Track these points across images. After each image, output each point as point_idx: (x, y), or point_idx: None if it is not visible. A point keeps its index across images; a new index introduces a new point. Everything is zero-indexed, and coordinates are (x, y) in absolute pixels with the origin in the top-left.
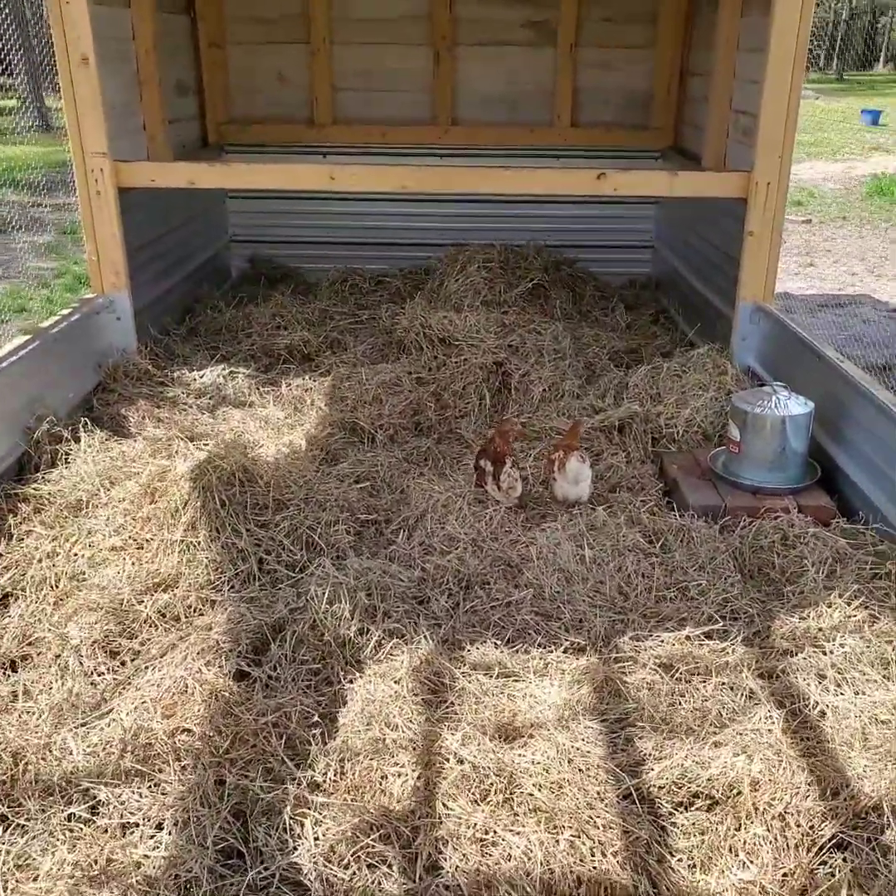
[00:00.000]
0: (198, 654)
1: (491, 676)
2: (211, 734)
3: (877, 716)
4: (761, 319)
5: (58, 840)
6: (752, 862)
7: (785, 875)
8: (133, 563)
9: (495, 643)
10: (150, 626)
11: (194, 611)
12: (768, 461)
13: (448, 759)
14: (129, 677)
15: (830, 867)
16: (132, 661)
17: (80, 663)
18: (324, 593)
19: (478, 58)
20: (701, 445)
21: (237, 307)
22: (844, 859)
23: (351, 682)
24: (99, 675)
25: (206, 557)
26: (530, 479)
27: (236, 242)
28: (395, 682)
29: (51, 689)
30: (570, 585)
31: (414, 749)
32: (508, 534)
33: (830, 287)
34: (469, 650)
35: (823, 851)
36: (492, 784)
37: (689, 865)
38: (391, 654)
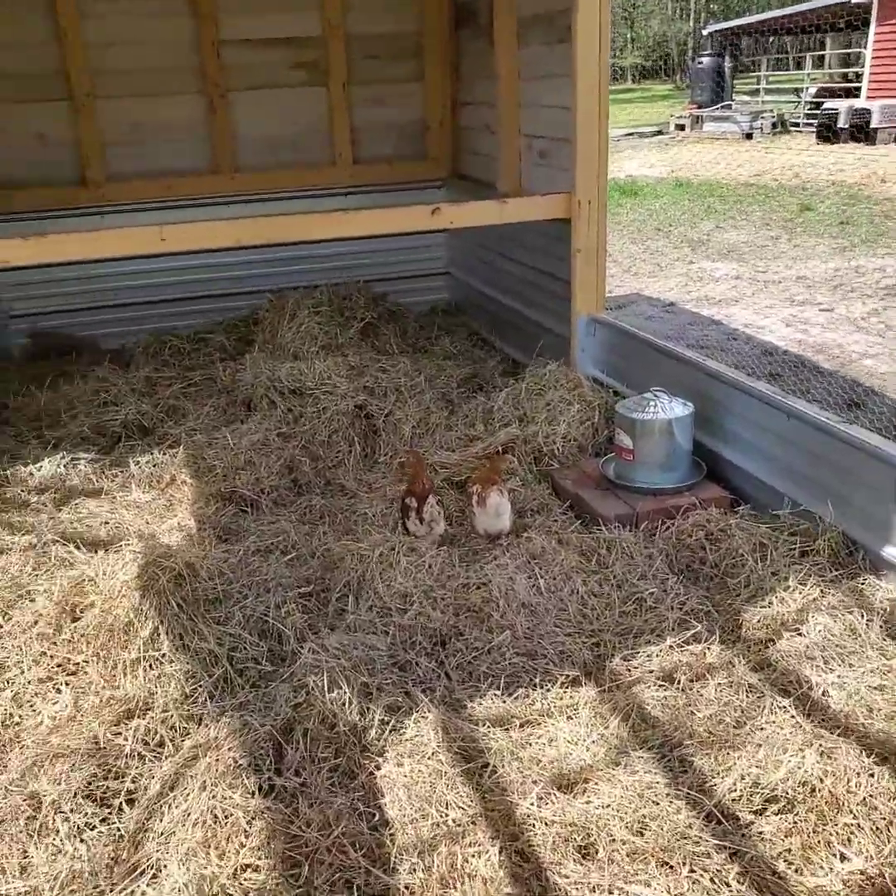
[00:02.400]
0: (217, 777)
1: (510, 729)
2: (281, 863)
3: (871, 684)
4: (597, 330)
5: None
6: (851, 852)
7: (887, 856)
8: (83, 693)
9: (495, 694)
10: (138, 760)
11: (179, 732)
12: (661, 463)
13: (534, 824)
14: (141, 824)
15: None
16: (129, 805)
17: (68, 821)
18: (324, 682)
19: (252, 102)
20: (579, 458)
21: (50, 388)
22: None
23: (377, 768)
24: (92, 830)
25: (175, 669)
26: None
27: (14, 318)
28: (429, 758)
29: (46, 862)
30: (538, 618)
31: (485, 823)
32: (455, 578)
33: None
34: (473, 707)
35: None
36: (586, 839)
37: (794, 869)
38: (404, 732)
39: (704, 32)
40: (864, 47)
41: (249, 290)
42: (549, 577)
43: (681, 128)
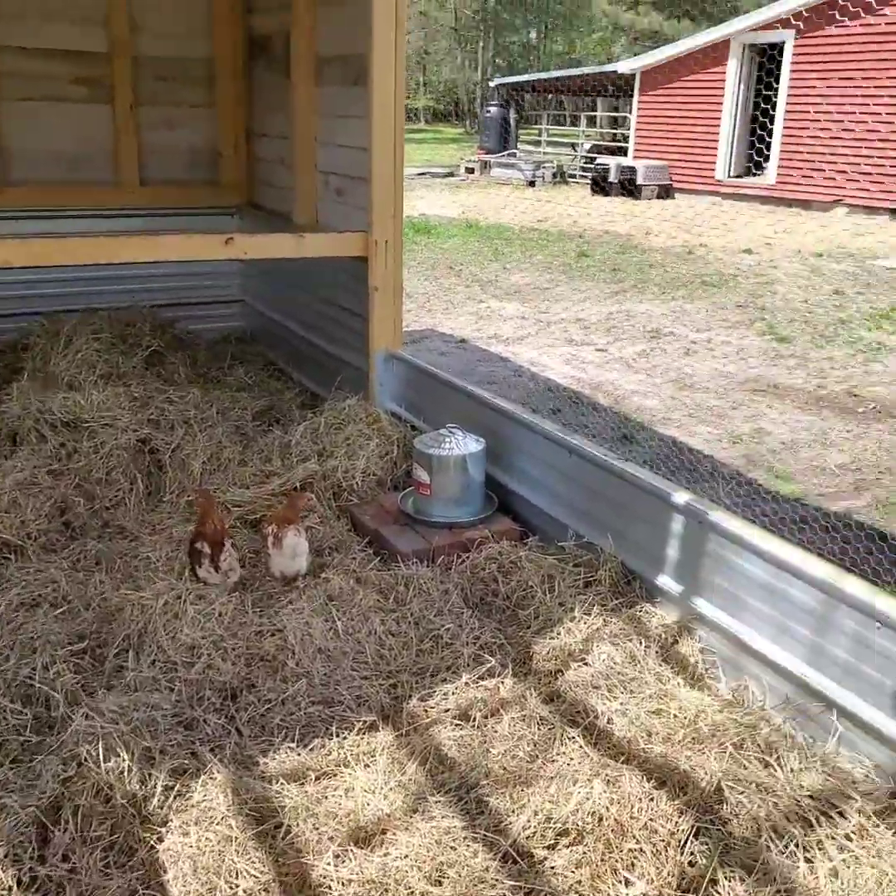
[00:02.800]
0: None
1: (305, 783)
2: None
3: (650, 709)
4: (395, 365)
5: None
6: (635, 876)
7: (666, 877)
8: None
9: (289, 747)
10: None
11: None
12: (456, 497)
13: (331, 885)
14: None
15: (696, 856)
16: None
17: None
18: (99, 751)
19: (27, 114)
20: (378, 492)
21: None
22: (704, 843)
23: (160, 840)
24: None
25: None
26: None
27: None
28: (217, 823)
29: None
30: (335, 663)
31: (279, 890)
32: (248, 625)
33: None
34: (266, 763)
35: (687, 845)
36: (386, 894)
37: None
38: (191, 797)
39: (492, 84)
40: (630, 112)
41: (18, 312)
42: (347, 618)
43: (470, 171)
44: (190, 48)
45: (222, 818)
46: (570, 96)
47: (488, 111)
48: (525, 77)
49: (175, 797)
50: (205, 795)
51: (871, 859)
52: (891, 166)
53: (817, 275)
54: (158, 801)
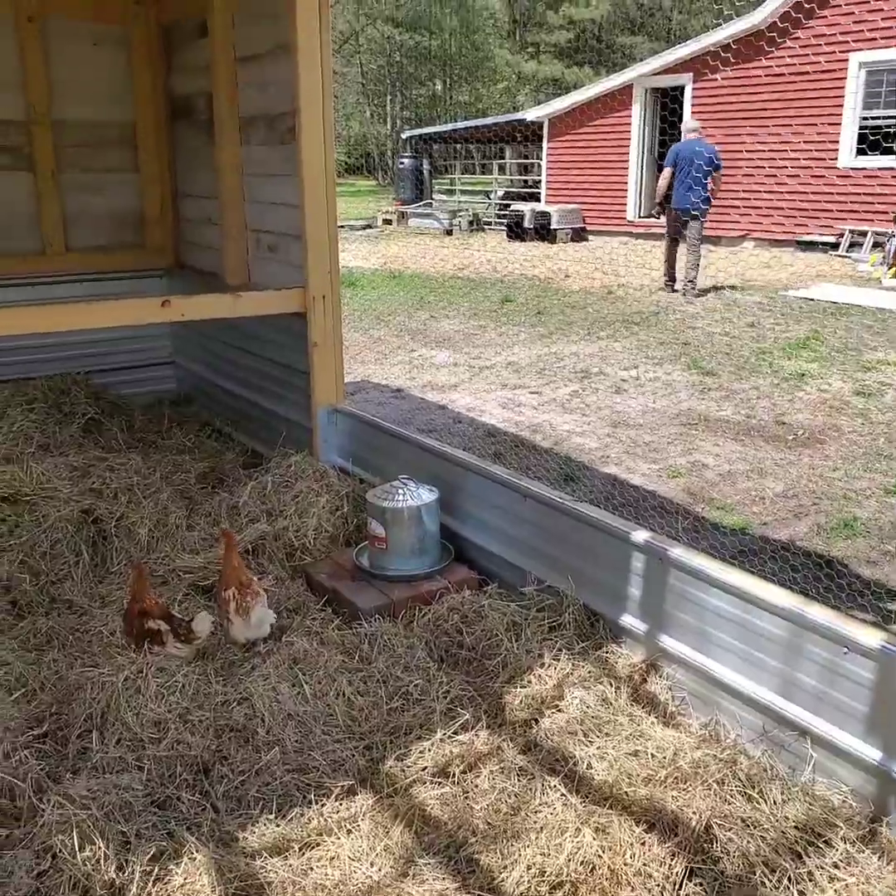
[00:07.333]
0: None
1: (289, 856)
2: None
3: (628, 751)
4: (339, 420)
5: None
6: None
7: None
8: None
9: (268, 819)
10: None
11: None
12: (413, 549)
13: None
14: None
15: None
16: None
17: None
18: (74, 840)
19: None
20: (332, 549)
21: None
22: (699, 884)
23: None
24: None
25: None
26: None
27: None
28: None
29: None
30: (306, 728)
31: None
32: (213, 696)
33: None
34: (246, 837)
35: (683, 887)
36: None
37: None
38: (171, 881)
39: (403, 136)
40: (540, 159)
41: None
42: (314, 681)
43: (388, 222)
44: (110, 112)
45: None
46: (479, 145)
47: (402, 163)
48: (435, 128)
49: (154, 882)
50: (186, 878)
51: (861, 886)
52: (798, 200)
53: (733, 308)
54: (137, 888)
